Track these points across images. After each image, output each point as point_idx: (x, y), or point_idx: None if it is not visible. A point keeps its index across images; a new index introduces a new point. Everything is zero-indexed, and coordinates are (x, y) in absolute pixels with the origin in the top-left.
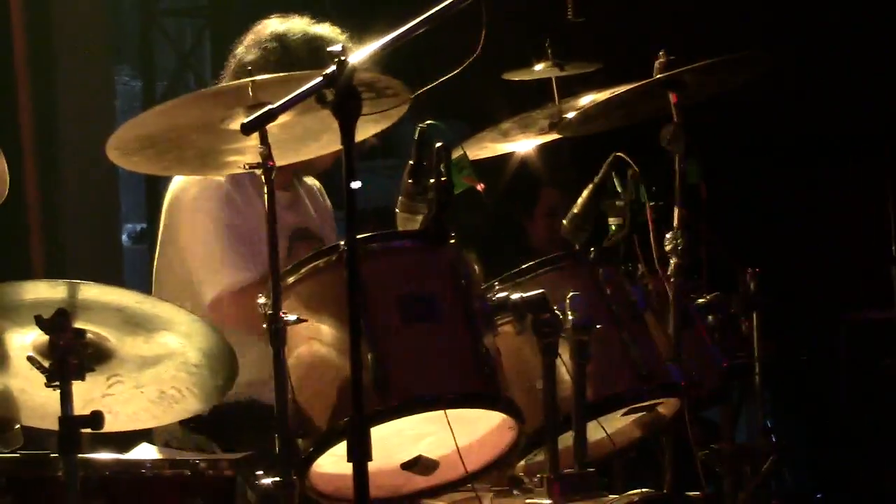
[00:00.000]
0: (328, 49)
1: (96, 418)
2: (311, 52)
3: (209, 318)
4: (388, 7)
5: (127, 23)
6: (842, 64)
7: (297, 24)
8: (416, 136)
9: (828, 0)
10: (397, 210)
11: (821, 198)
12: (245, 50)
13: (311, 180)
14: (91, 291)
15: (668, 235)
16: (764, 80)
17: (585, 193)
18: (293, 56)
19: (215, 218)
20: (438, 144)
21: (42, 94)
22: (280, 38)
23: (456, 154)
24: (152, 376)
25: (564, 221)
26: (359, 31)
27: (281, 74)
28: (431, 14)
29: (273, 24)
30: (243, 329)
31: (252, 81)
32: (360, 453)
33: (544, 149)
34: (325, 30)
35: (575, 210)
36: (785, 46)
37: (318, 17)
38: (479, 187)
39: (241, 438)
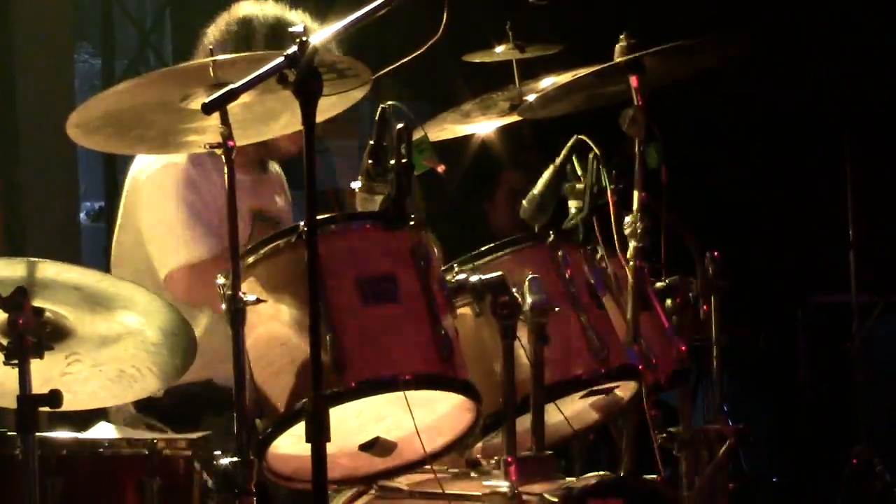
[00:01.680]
0: (289, 30)
1: (55, 397)
2: (273, 35)
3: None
4: None
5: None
6: (802, 48)
7: (270, 10)
8: (377, 116)
9: None
10: (357, 190)
11: (780, 182)
12: (213, 30)
13: (275, 168)
14: (50, 270)
15: (627, 219)
16: (725, 64)
17: (546, 176)
18: (255, 37)
19: (174, 197)
20: (399, 125)
21: (0, 72)
22: (246, 21)
23: (417, 135)
24: (111, 355)
25: (524, 203)
26: (324, 13)
27: (241, 54)
28: None
29: (245, 8)
30: (197, 305)
31: (213, 61)
32: (317, 434)
33: (505, 131)
34: (296, 16)
35: (535, 192)
36: (744, 32)
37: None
38: (440, 169)
39: (198, 419)
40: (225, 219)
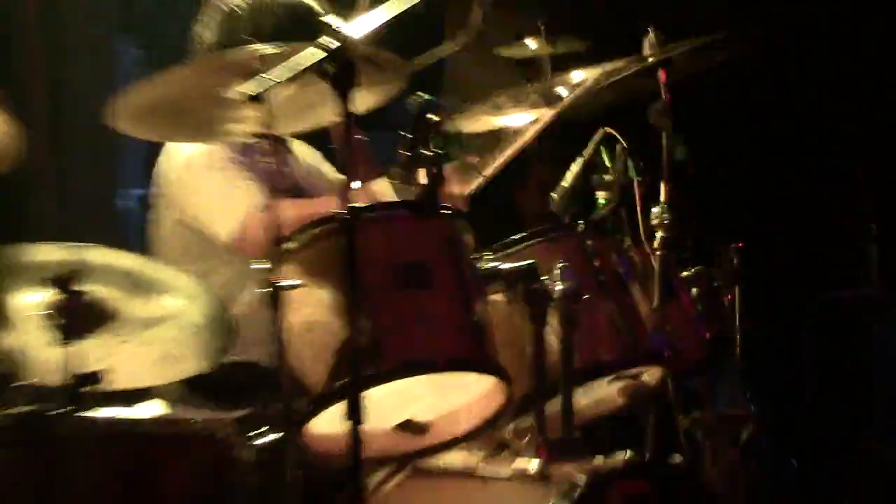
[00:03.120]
0: (328, 22)
1: (99, 376)
2: (287, 19)
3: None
4: None
5: None
6: (823, 47)
7: None
8: (413, 109)
9: None
10: (393, 180)
11: (803, 177)
12: (223, 16)
13: (311, 152)
14: (97, 255)
15: (654, 210)
16: (750, 60)
17: (575, 168)
18: (281, 24)
19: (223, 165)
20: (433, 118)
21: (50, 65)
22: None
23: (450, 128)
24: (155, 336)
25: (554, 195)
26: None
27: (284, 46)
28: None
29: None
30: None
31: (257, 52)
32: (354, 415)
33: (539, 125)
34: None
35: (564, 184)
36: (765, 29)
37: None
38: (475, 161)
39: (239, 398)
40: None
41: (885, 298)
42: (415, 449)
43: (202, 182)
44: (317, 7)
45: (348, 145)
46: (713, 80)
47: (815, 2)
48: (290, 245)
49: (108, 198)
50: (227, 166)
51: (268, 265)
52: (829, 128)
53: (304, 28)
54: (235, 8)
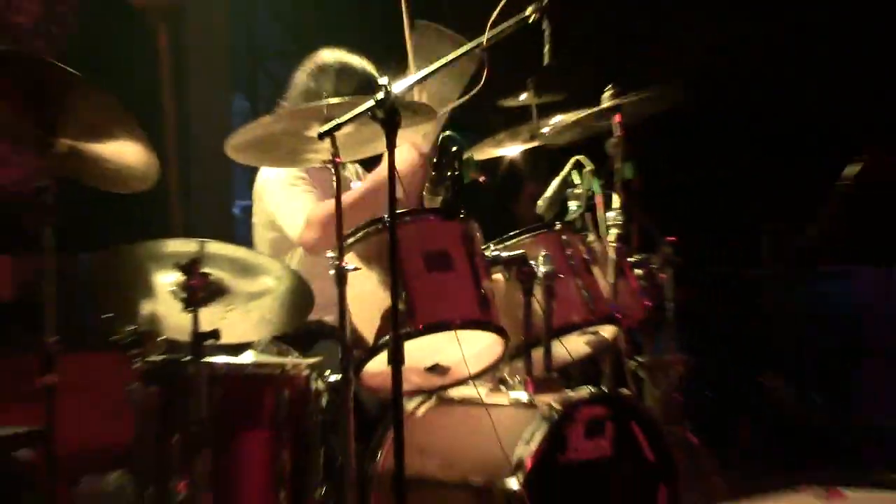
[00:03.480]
0: (379, 81)
1: (216, 333)
2: (353, 80)
3: (300, 257)
4: None
5: (238, 61)
6: (725, 98)
7: (347, 59)
8: (439, 143)
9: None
10: (424, 194)
11: (715, 190)
12: (309, 76)
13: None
14: (214, 246)
15: (610, 214)
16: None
17: (554, 184)
18: (344, 82)
19: (291, 180)
20: (454, 149)
21: (181, 111)
22: (332, 69)
23: (465, 155)
24: (255, 305)
25: (539, 203)
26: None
27: (345, 98)
28: (451, 59)
29: (325, 57)
30: (329, 246)
31: (327, 104)
32: (395, 361)
33: (526, 152)
34: (365, 63)
35: (547, 195)
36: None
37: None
38: (482, 179)
39: (314, 350)
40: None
41: (773, 275)
42: (439, 385)
43: (278, 195)
44: (374, 72)
45: (392, 166)
46: (651, 123)
47: (724, 63)
48: (350, 240)
49: (223, 207)
50: (297, 183)
51: (334, 254)
52: (731, 157)
53: (366, 86)
54: (323, 71)
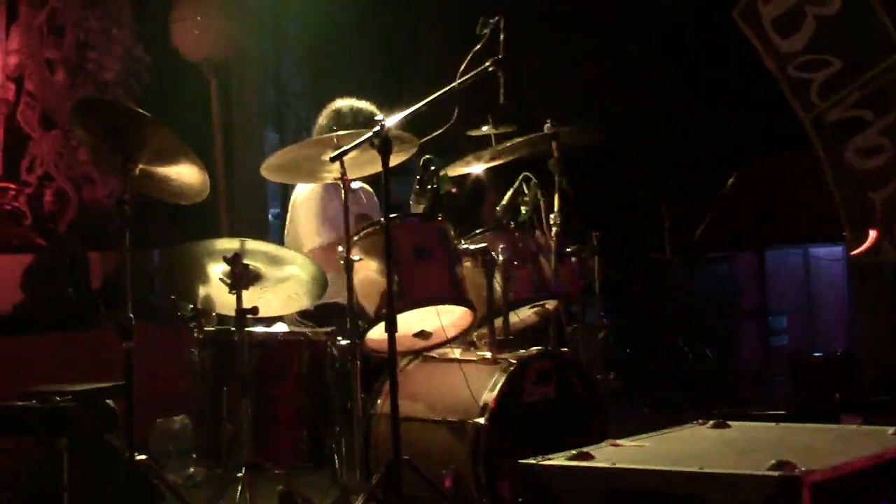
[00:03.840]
0: (374, 118)
1: (254, 310)
2: (358, 118)
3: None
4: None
5: (269, 102)
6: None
7: (354, 103)
8: (421, 163)
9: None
10: (410, 202)
11: (630, 195)
12: (327, 118)
13: (364, 185)
14: (252, 243)
15: (552, 215)
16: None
17: (509, 194)
18: (352, 120)
19: (312, 207)
20: (432, 167)
21: (227, 141)
22: (343, 112)
23: (441, 172)
24: (284, 288)
25: (497, 209)
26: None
27: (350, 132)
28: (430, 100)
29: (339, 103)
30: (323, 266)
31: (336, 135)
32: (390, 329)
33: (489, 170)
34: (367, 105)
35: (503, 202)
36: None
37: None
38: (454, 191)
39: (329, 321)
40: (341, 218)
41: (673, 260)
42: (423, 346)
43: (303, 214)
44: (375, 110)
45: (387, 182)
46: (582, 147)
47: (636, 99)
48: (357, 237)
49: (260, 214)
50: (318, 197)
51: (343, 250)
52: (640, 170)
53: (369, 122)
54: (336, 112)
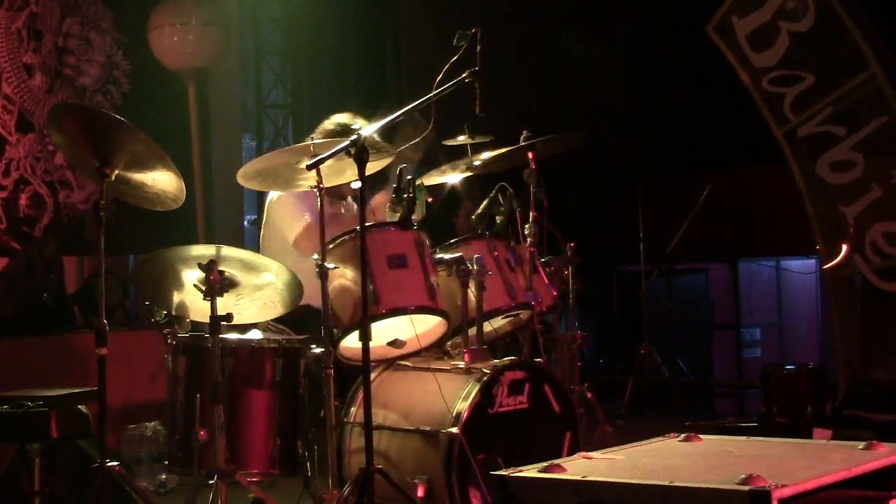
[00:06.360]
0: (351, 126)
1: (229, 317)
2: (342, 130)
3: (294, 258)
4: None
5: (247, 110)
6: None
7: (340, 118)
8: (397, 172)
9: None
10: (387, 210)
11: (605, 207)
12: (317, 133)
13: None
14: (227, 250)
15: (527, 225)
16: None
17: (484, 203)
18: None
19: (291, 203)
20: (408, 177)
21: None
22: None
23: (418, 182)
24: (259, 295)
25: (473, 218)
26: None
27: (325, 140)
28: (407, 109)
29: (335, 118)
30: (314, 249)
31: (313, 143)
32: (364, 337)
33: (465, 180)
34: (351, 118)
35: (479, 211)
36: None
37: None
38: (429, 200)
39: (303, 325)
40: (317, 220)
41: (648, 271)
42: (397, 355)
43: (284, 210)
44: (352, 120)
45: (362, 190)
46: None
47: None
48: (332, 245)
49: (235, 221)
50: (294, 202)
51: (318, 256)
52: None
53: (348, 131)
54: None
